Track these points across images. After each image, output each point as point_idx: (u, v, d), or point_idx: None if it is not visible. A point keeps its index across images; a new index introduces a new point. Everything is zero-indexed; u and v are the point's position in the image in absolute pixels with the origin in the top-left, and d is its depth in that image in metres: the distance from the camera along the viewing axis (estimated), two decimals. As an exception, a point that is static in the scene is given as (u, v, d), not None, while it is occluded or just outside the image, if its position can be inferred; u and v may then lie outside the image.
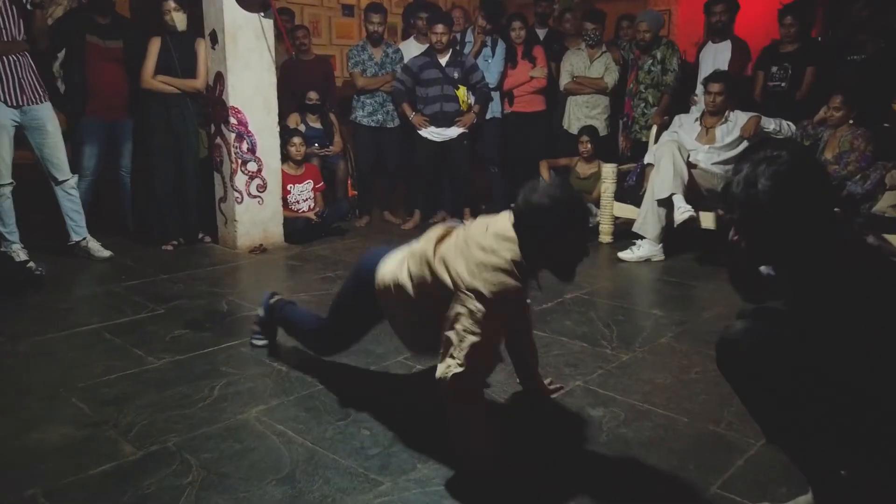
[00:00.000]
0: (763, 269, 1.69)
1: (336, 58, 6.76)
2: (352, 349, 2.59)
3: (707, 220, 4.26)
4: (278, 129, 4.66)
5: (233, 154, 4.45)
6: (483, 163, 5.54)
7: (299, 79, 5.49)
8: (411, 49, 5.45)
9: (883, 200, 3.84)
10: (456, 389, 1.87)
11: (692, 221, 4.12)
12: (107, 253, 4.21)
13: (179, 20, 4.37)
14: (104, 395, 2.41)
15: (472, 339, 1.83)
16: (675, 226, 4.21)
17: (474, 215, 5.29)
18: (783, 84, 4.73)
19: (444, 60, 5.06)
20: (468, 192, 5.40)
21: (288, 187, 4.83)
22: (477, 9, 5.75)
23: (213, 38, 4.40)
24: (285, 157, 4.81)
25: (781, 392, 1.56)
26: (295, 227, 4.72)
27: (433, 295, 1.96)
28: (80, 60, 4.35)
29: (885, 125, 4.24)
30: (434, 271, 1.95)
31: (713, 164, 4.50)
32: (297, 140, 4.88)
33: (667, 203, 4.26)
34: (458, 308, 1.86)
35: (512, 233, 1.89)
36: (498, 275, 1.84)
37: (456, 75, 5.07)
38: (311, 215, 4.85)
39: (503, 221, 1.94)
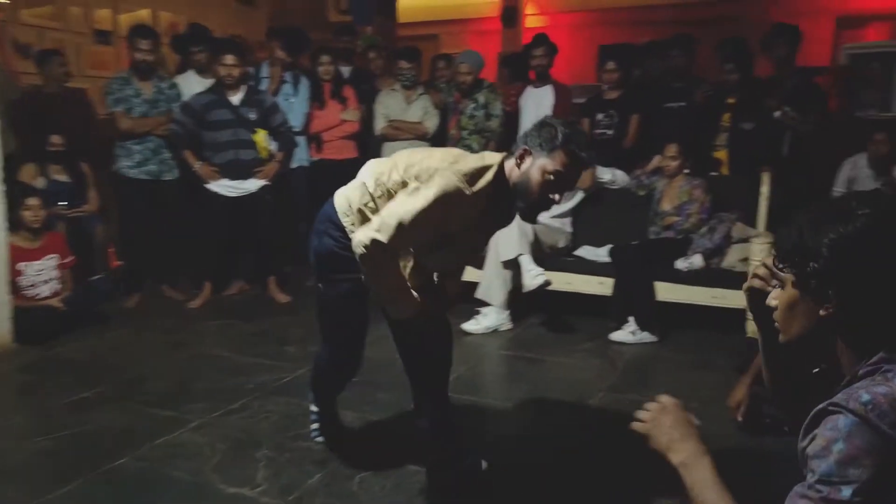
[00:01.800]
0: None
1: (90, 91, 5.44)
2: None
3: (558, 280, 3.80)
4: (3, 188, 3.38)
5: (-73, 225, 3.10)
6: (290, 220, 4.62)
7: (41, 118, 4.20)
8: (192, 84, 4.41)
9: (731, 255, 3.67)
10: (371, 255, 1.78)
11: (546, 285, 3.63)
12: None
13: None
14: None
15: (401, 214, 1.77)
16: (523, 291, 3.70)
17: (280, 284, 4.39)
18: (610, 131, 4.50)
19: (236, 99, 4.11)
20: (272, 256, 4.45)
21: (18, 267, 3.52)
22: (271, 39, 4.86)
23: None
24: (16, 224, 3.53)
25: None
26: (32, 321, 3.43)
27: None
28: None
29: (713, 174, 4.16)
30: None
31: (552, 216, 4.11)
32: (32, 201, 3.62)
33: (512, 264, 3.75)
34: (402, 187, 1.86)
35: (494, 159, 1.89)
36: (458, 174, 1.79)
37: (252, 117, 4.15)
38: (56, 302, 3.59)
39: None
